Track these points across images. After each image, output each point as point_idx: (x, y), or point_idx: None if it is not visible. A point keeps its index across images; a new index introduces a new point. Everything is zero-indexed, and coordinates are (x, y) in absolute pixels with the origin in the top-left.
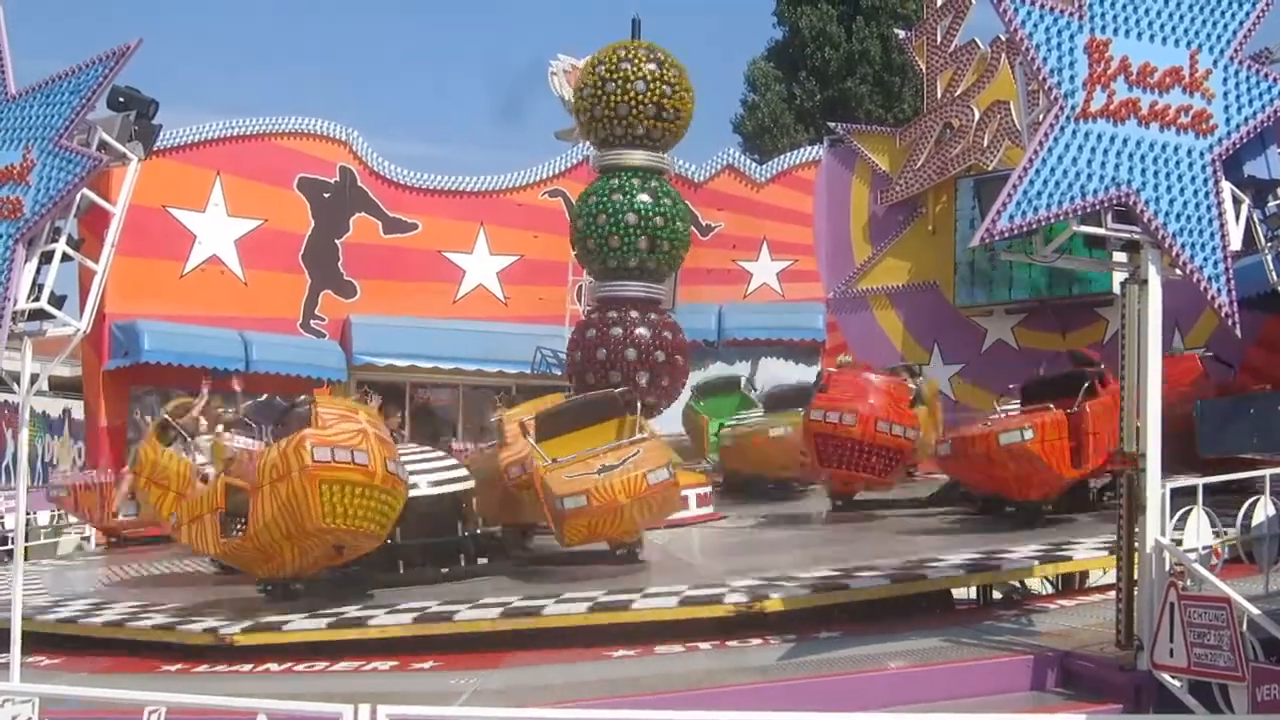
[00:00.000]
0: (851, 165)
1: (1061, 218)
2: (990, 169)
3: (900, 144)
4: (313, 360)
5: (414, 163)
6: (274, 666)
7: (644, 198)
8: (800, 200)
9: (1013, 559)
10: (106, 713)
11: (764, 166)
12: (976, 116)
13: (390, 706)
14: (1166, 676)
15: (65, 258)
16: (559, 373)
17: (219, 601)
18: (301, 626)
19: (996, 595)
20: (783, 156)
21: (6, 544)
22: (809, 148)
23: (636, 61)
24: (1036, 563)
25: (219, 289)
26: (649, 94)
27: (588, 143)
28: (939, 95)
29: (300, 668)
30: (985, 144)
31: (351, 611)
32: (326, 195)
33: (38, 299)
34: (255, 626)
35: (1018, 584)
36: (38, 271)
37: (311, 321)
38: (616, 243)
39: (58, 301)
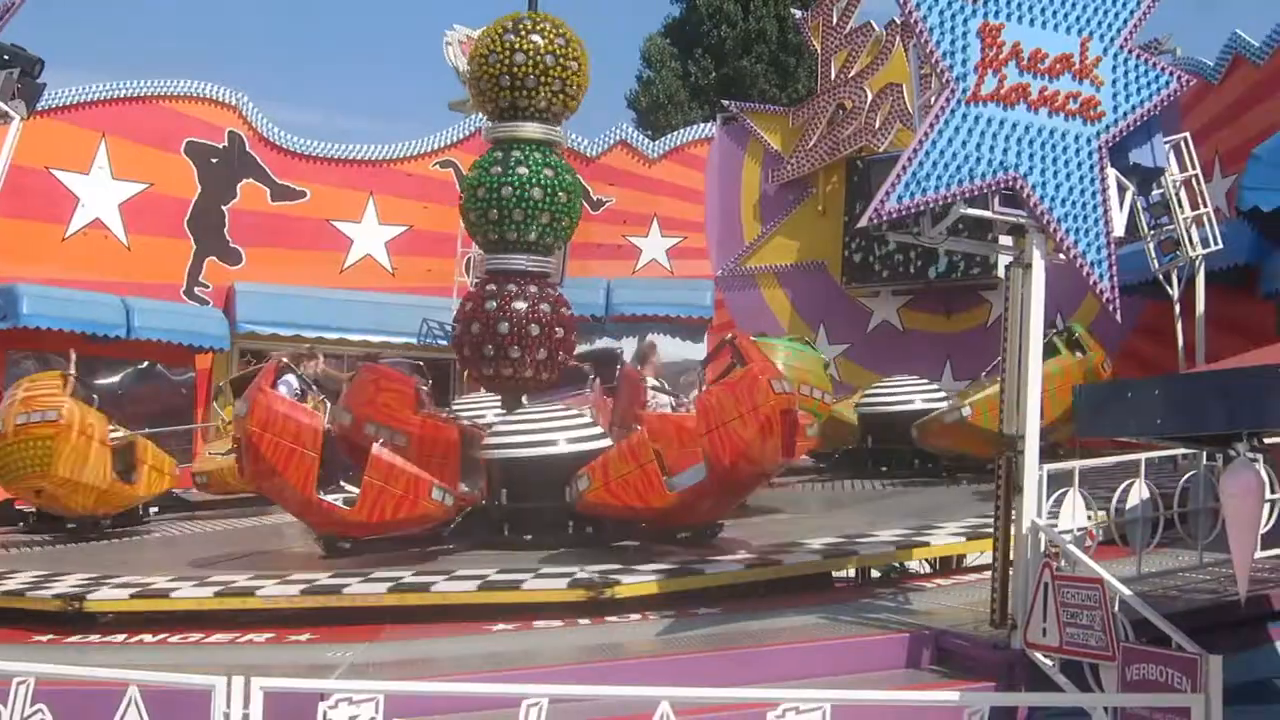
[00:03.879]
0: (744, 144)
1: (949, 200)
2: (881, 151)
3: (793, 124)
4: (195, 327)
5: (306, 130)
6: (148, 638)
7: (522, 170)
8: (692, 177)
9: (875, 543)
10: None
11: (657, 143)
12: (869, 98)
13: (265, 679)
14: (1039, 655)
15: None
16: (445, 344)
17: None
18: (184, 595)
19: (875, 574)
20: (676, 133)
21: None
22: (702, 125)
23: (530, 33)
24: (894, 548)
25: (102, 253)
26: (541, 66)
27: (481, 114)
28: (833, 76)
29: (175, 639)
30: (877, 126)
31: (240, 581)
32: (214, 160)
33: None
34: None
35: (896, 563)
36: None
37: (196, 288)
38: (495, 215)
39: None
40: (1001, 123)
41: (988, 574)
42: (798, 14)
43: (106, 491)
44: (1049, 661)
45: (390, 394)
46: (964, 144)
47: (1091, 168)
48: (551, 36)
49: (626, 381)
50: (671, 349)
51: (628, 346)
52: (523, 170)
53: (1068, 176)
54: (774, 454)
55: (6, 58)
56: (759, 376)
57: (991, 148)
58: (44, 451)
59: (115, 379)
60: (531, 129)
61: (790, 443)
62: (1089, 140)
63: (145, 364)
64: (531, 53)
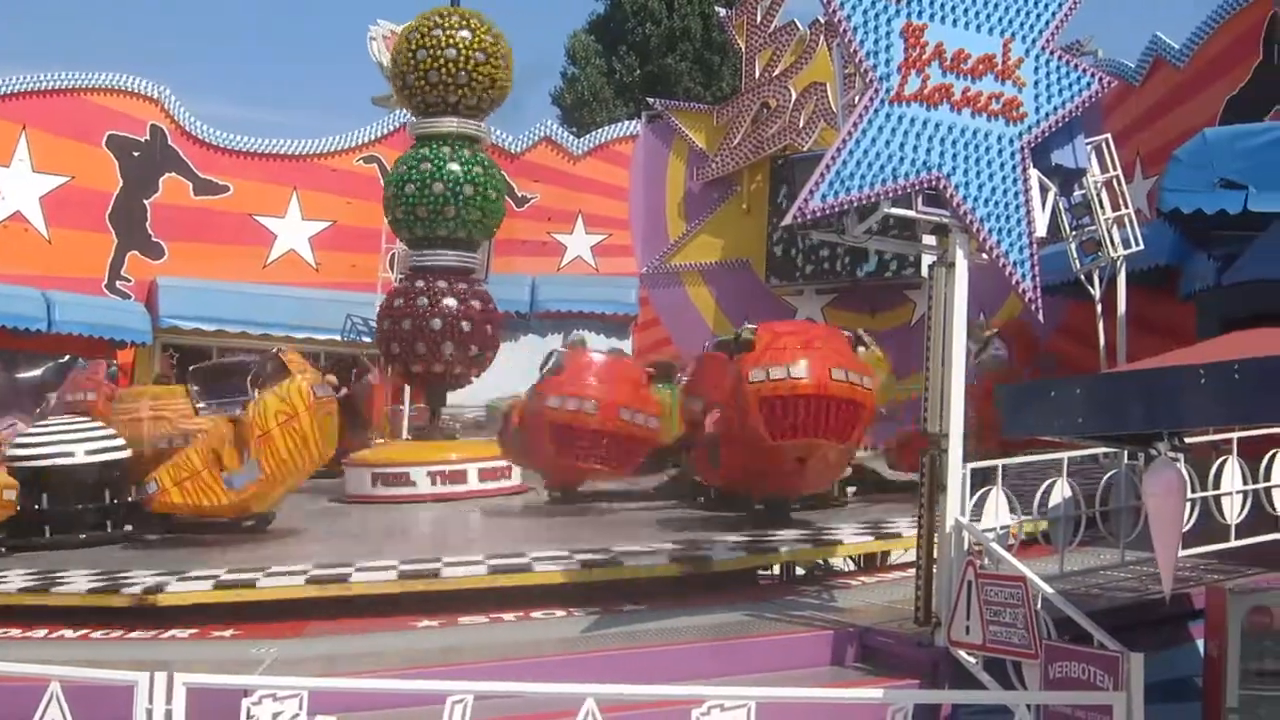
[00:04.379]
0: (669, 141)
1: (873, 199)
2: (806, 149)
3: (717, 122)
4: (118, 321)
5: (229, 124)
6: (69, 633)
7: (454, 166)
8: (616, 175)
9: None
10: None
11: (581, 140)
12: (793, 97)
13: (188, 675)
14: (963, 653)
15: None
16: (369, 340)
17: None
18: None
19: (800, 571)
20: (600, 130)
21: None
22: (627, 122)
23: (451, 28)
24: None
25: (22, 246)
26: (462, 62)
27: (404, 109)
28: (757, 75)
29: (97, 634)
30: (801, 125)
31: (145, 578)
32: (136, 154)
33: None
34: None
35: (821, 561)
36: None
37: (117, 282)
38: (425, 211)
39: None
40: (925, 123)
41: (911, 572)
42: (722, 12)
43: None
44: (972, 659)
45: None
46: (887, 143)
47: (1014, 168)
48: (463, 33)
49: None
50: (598, 346)
51: (553, 342)
52: (455, 167)
53: (990, 177)
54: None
55: None
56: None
57: (915, 147)
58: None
59: (36, 373)
60: (448, 124)
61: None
62: (1011, 141)
63: (66, 358)
64: (460, 48)
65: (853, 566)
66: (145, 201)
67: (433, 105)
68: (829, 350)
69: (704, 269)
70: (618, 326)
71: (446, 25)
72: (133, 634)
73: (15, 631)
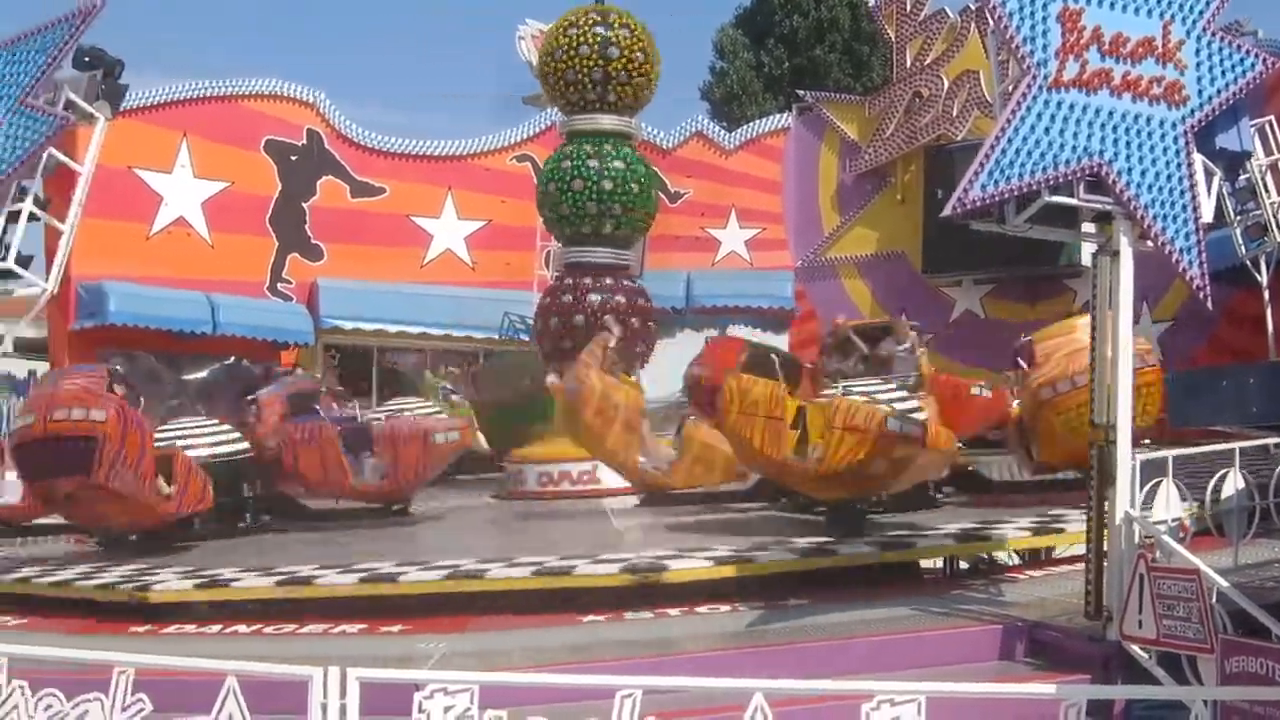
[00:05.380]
0: (820, 133)
1: (1033, 188)
2: (959, 139)
3: (869, 113)
4: (280, 323)
5: (381, 128)
6: (242, 629)
7: (613, 164)
8: (769, 168)
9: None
10: (76, 674)
11: (733, 134)
12: (945, 86)
13: (361, 669)
14: (1135, 648)
15: (32, 217)
16: (526, 338)
17: (172, 561)
18: (248, 584)
19: (963, 565)
20: (752, 124)
21: None
22: (778, 115)
23: (600, 26)
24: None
25: (185, 251)
26: (615, 59)
27: (554, 108)
28: (908, 64)
29: (269, 630)
30: (955, 113)
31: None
32: (294, 158)
33: (4, 259)
34: (177, 587)
35: (984, 555)
36: (4, 231)
37: (279, 285)
38: (581, 209)
39: (24, 261)
40: (1084, 109)
41: (1079, 565)
42: (871, 2)
43: None
44: (1145, 654)
45: None
46: (1047, 131)
47: (1178, 153)
48: (619, 30)
49: None
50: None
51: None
52: (593, 164)
53: (1153, 162)
54: None
55: (88, 60)
56: None
57: (1075, 134)
58: None
59: (201, 374)
60: (603, 122)
61: None
62: (1174, 125)
63: (231, 359)
64: (599, 46)
65: (1017, 560)
66: (304, 204)
67: (584, 103)
68: None
69: (859, 261)
70: (773, 321)
71: (597, 23)
72: (304, 630)
73: (190, 628)
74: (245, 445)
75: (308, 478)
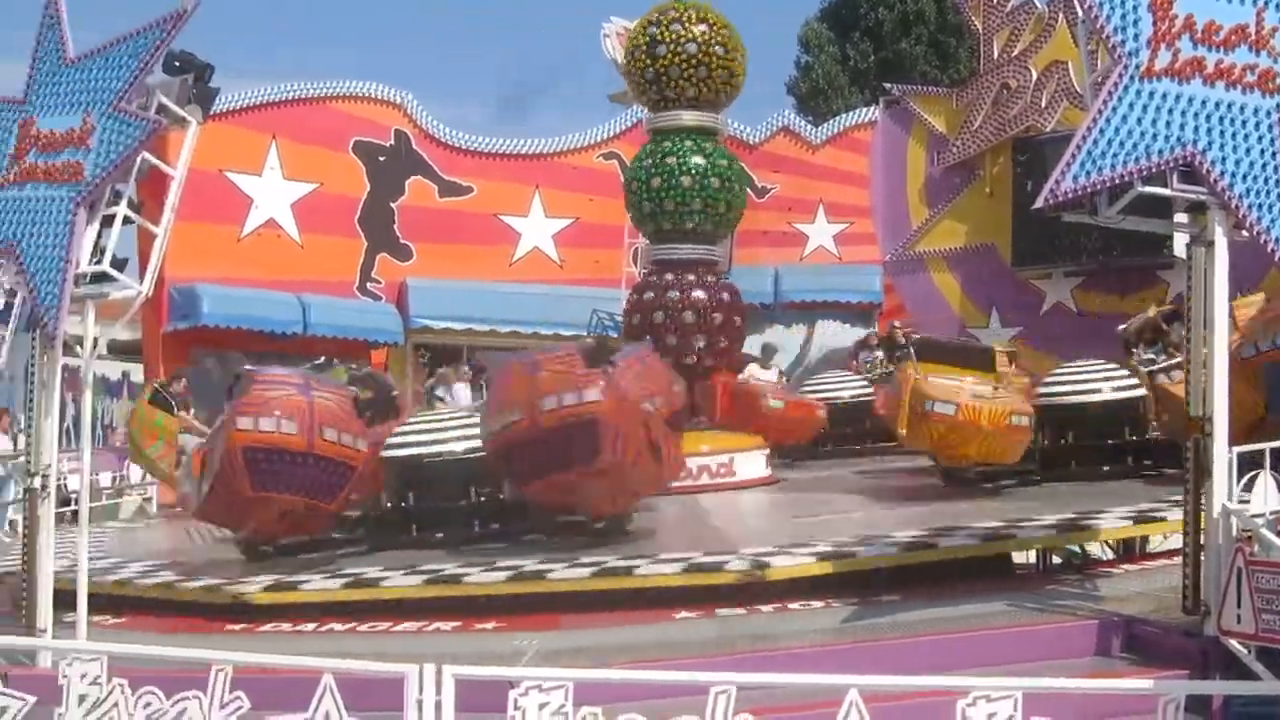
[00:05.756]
0: (907, 127)
1: (1126, 179)
2: (1049, 130)
3: (956, 105)
4: (370, 323)
5: (467, 127)
6: (337, 627)
7: (697, 159)
8: (856, 162)
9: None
10: (173, 672)
11: (819, 128)
12: (1034, 77)
13: (455, 667)
14: (1234, 643)
15: (126, 221)
16: (615, 335)
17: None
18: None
19: (1056, 560)
20: (838, 118)
21: (70, 505)
22: (864, 109)
23: (687, 22)
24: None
25: (276, 252)
26: (699, 55)
27: (640, 105)
28: (995, 55)
29: (364, 628)
30: (1043, 105)
31: (370, 573)
32: (382, 158)
33: (99, 262)
34: (277, 586)
35: (1077, 549)
36: (99, 235)
37: (368, 284)
38: (670, 205)
39: (119, 264)
40: (1178, 98)
41: (1173, 559)
42: None
43: None
44: (1244, 649)
45: None
46: (1139, 121)
47: (1272, 141)
48: (699, 26)
49: None
50: (843, 335)
51: (798, 333)
52: (670, 160)
53: (1248, 151)
54: None
55: (178, 64)
56: None
57: (1168, 124)
58: None
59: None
60: (684, 118)
61: None
62: (1269, 113)
63: (321, 359)
64: (680, 43)
65: (1110, 555)
66: (392, 205)
67: (671, 99)
68: None
69: (948, 254)
70: (862, 315)
71: (684, 19)
72: (398, 627)
73: (286, 626)
74: None
75: None
